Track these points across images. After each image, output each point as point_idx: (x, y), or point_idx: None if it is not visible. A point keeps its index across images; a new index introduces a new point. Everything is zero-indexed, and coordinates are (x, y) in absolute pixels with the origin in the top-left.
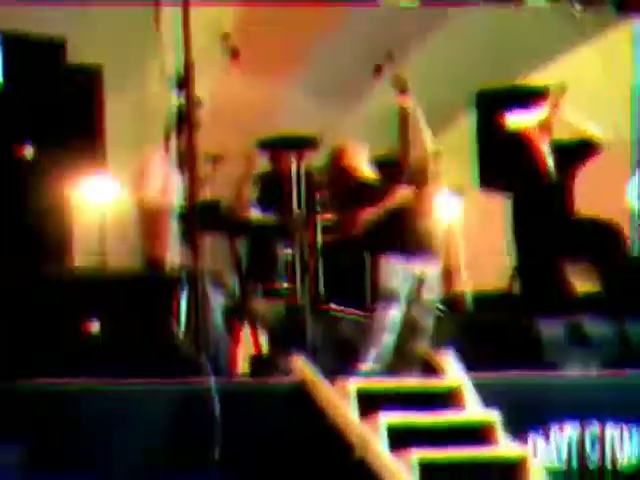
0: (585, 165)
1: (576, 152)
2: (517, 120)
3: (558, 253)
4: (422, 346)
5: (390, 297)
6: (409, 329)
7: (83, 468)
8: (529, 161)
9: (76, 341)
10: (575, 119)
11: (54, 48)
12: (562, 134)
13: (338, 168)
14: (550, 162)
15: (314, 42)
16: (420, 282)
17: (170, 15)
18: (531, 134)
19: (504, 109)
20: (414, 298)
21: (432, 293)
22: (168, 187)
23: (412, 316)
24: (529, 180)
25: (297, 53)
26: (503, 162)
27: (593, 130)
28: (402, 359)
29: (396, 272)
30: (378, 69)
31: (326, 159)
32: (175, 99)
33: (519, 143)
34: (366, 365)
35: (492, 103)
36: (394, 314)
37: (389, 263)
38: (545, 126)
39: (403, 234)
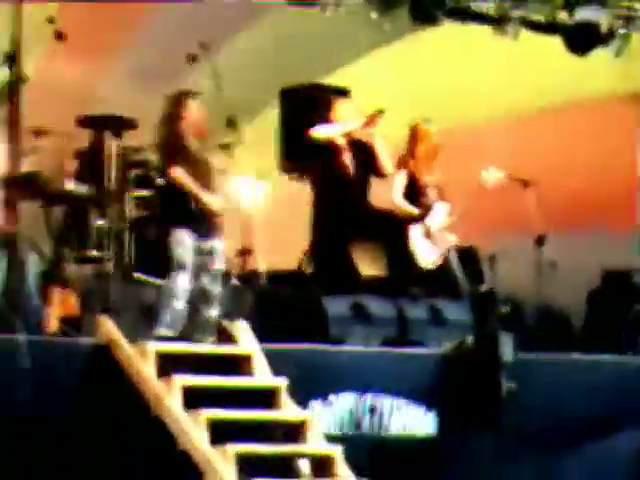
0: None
1: (369, 165)
2: (323, 132)
3: (348, 238)
4: (213, 314)
5: (179, 267)
6: (200, 297)
7: None
8: (328, 157)
9: None
10: (379, 143)
11: None
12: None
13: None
14: (348, 161)
15: (135, 27)
16: (209, 254)
17: None
18: (334, 142)
19: (305, 106)
20: (204, 269)
21: (219, 264)
22: None
23: (202, 285)
24: (327, 173)
25: (118, 37)
26: (304, 153)
27: (386, 160)
28: (196, 325)
29: (184, 244)
30: (193, 57)
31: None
32: (2, 74)
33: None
34: (160, 329)
35: (295, 99)
36: (183, 282)
37: (178, 236)
38: (353, 135)
39: (192, 211)
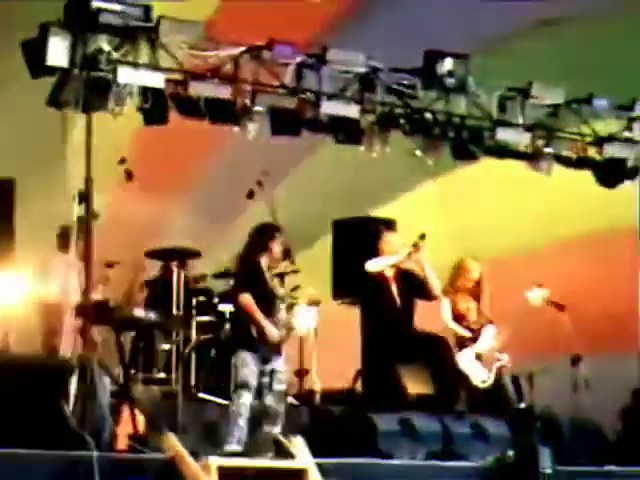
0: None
1: (419, 288)
2: (375, 266)
3: (396, 359)
4: (275, 431)
5: (243, 386)
6: (264, 415)
7: None
8: (377, 288)
9: None
10: (427, 268)
11: None
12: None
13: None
14: (394, 291)
15: (196, 168)
16: (272, 375)
17: (75, 137)
18: (385, 274)
19: (355, 237)
20: (267, 389)
21: (281, 384)
22: (67, 286)
23: (266, 404)
24: (376, 302)
25: (183, 176)
26: (355, 282)
27: (435, 283)
28: (259, 440)
29: (248, 365)
30: (250, 193)
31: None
32: (76, 210)
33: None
34: (229, 447)
35: (346, 230)
36: (246, 401)
37: (242, 357)
38: (400, 265)
39: (254, 337)
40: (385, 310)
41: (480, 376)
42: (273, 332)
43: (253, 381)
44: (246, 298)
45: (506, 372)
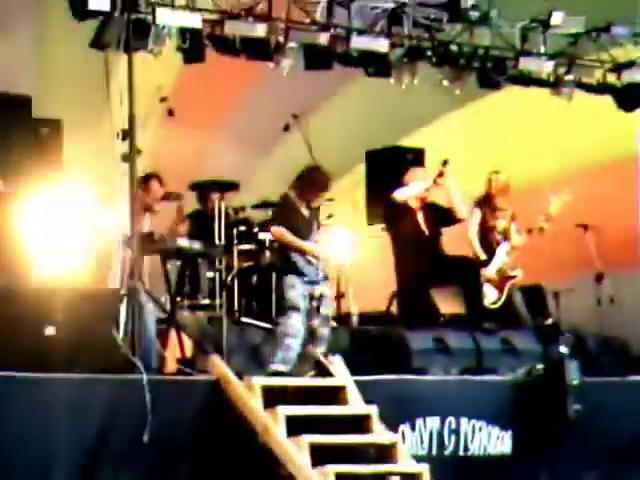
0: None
1: (444, 217)
2: (402, 194)
3: (428, 282)
4: (318, 351)
5: (292, 308)
6: (311, 337)
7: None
8: (405, 217)
9: (35, 341)
10: (453, 191)
11: (22, 104)
12: (439, 197)
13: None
14: (421, 220)
15: (234, 104)
16: (320, 299)
17: (119, 77)
18: (410, 205)
19: (387, 166)
20: (315, 312)
21: (328, 309)
22: (117, 220)
23: (313, 326)
24: (404, 230)
25: (222, 111)
26: (386, 211)
27: (461, 206)
28: (304, 361)
29: (296, 288)
30: (286, 126)
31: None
32: (121, 147)
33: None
34: (275, 366)
35: (378, 160)
36: (297, 322)
37: (290, 280)
38: (424, 198)
39: (299, 261)
40: (413, 238)
41: (490, 298)
42: (317, 249)
43: (301, 303)
44: (277, 229)
45: (516, 289)
